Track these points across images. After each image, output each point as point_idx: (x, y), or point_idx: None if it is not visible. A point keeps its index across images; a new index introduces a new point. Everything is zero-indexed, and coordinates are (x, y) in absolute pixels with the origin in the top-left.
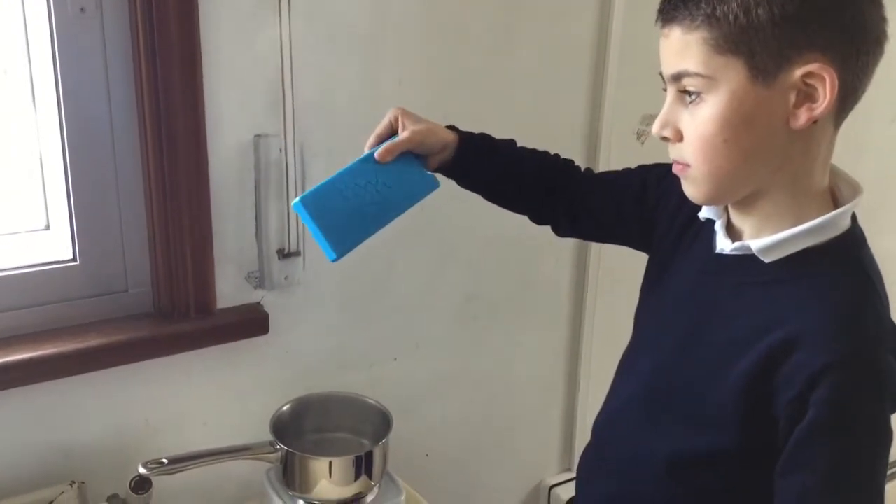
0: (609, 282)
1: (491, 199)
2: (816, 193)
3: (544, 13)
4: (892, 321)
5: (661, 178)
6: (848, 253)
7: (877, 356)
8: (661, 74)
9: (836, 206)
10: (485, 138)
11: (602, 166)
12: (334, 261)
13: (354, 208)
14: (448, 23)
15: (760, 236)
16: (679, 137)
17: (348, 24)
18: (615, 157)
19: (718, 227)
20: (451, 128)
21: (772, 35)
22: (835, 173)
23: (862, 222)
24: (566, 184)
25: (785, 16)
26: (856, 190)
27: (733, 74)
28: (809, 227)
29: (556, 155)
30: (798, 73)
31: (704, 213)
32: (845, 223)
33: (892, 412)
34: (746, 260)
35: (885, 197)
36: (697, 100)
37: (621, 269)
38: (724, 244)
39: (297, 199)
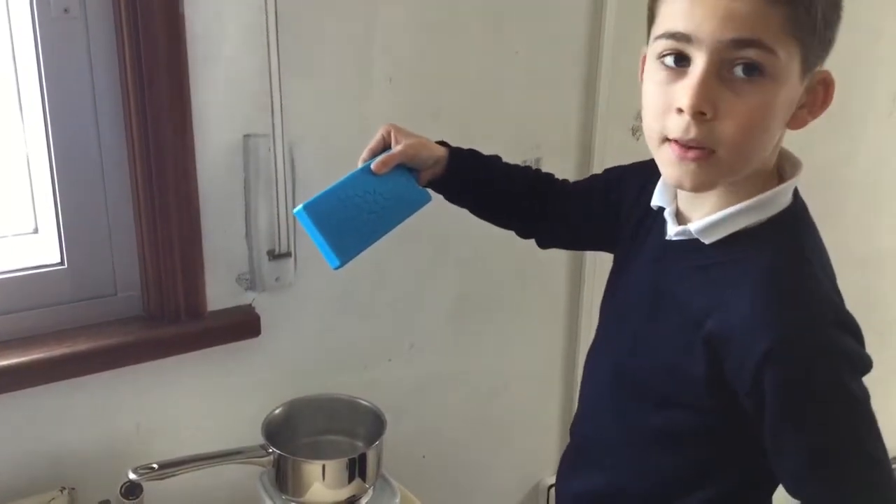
0: (604, 279)
1: (478, 213)
2: (762, 175)
3: (536, 8)
4: (830, 294)
5: (621, 176)
6: (785, 229)
7: (813, 332)
8: (681, 35)
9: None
10: (473, 154)
11: (597, 163)
12: (337, 268)
13: (354, 217)
14: (439, 20)
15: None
16: (715, 116)
17: (337, 22)
18: (610, 153)
19: (667, 214)
20: (441, 143)
21: (821, 34)
22: (780, 154)
23: (857, 217)
24: (545, 196)
25: (833, 19)
26: (796, 166)
27: (792, 61)
28: (746, 206)
29: (538, 169)
30: (819, 76)
31: (656, 202)
32: (785, 200)
33: (858, 374)
34: (691, 244)
35: (880, 192)
36: (754, 77)
37: None
38: (671, 230)
39: (298, 207)
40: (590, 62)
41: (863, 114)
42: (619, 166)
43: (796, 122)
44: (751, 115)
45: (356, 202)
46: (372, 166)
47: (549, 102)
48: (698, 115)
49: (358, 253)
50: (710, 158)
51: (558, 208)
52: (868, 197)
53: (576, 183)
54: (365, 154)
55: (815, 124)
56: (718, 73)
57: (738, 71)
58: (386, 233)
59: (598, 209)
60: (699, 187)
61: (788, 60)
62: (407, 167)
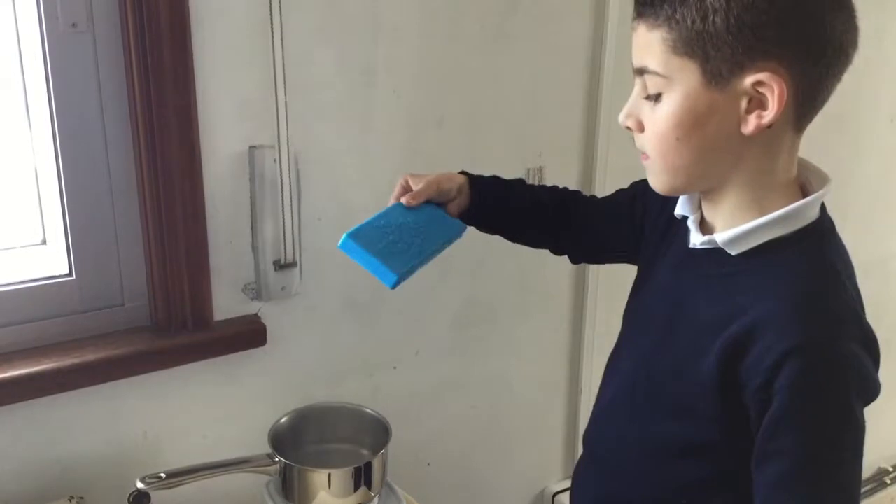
0: (609, 284)
1: (511, 235)
2: (780, 187)
3: (539, 17)
4: (857, 310)
5: (647, 187)
6: (813, 242)
7: (838, 342)
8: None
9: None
10: (495, 179)
11: (599, 168)
12: (394, 285)
13: (397, 241)
14: (442, 29)
15: (728, 230)
16: (641, 129)
17: (341, 34)
18: (612, 160)
19: (691, 222)
20: (461, 174)
21: (726, 42)
22: (804, 166)
23: (862, 222)
24: (573, 212)
25: (741, 24)
26: (824, 181)
27: (688, 76)
28: (773, 218)
29: (565, 188)
30: (749, 80)
31: (679, 210)
32: (812, 214)
33: (864, 400)
34: (715, 253)
35: (885, 197)
36: (656, 97)
37: (622, 272)
38: (696, 239)
39: (344, 237)
40: (592, 70)
41: (867, 119)
42: (644, 179)
43: (749, 126)
44: (656, 126)
45: (395, 229)
46: (403, 201)
47: (552, 110)
48: (627, 128)
49: (411, 269)
50: (648, 162)
51: (586, 224)
52: (873, 203)
53: (602, 198)
54: (391, 201)
55: (819, 129)
56: (645, 94)
57: (650, 95)
58: (431, 256)
59: (625, 222)
60: (659, 189)
61: (682, 76)
62: (435, 203)
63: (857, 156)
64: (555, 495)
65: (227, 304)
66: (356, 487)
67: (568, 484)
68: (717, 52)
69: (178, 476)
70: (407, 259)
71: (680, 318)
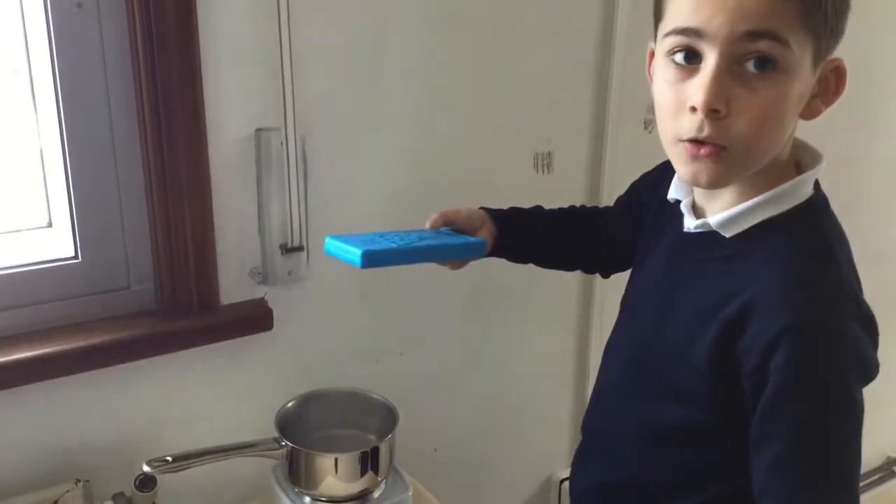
0: (618, 273)
1: (543, 258)
2: (779, 167)
3: (549, 1)
4: (854, 288)
5: (642, 182)
6: (807, 220)
7: (834, 321)
8: (691, 30)
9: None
10: (513, 208)
11: (609, 156)
12: (362, 260)
13: (384, 239)
14: (451, 12)
15: (722, 212)
16: (727, 111)
17: (350, 15)
18: (621, 146)
19: (684, 206)
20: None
21: (833, 24)
22: (797, 145)
23: (877, 210)
24: (591, 226)
25: (840, 10)
26: (817, 159)
27: (804, 54)
28: (765, 198)
29: (583, 206)
30: (830, 65)
31: (672, 195)
32: (806, 191)
33: (862, 380)
34: (709, 237)
35: None
36: (767, 72)
37: None
38: (690, 223)
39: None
40: (602, 55)
41: (880, 105)
42: (641, 176)
43: (809, 112)
44: (765, 111)
45: (392, 235)
46: (427, 223)
47: (560, 95)
48: (712, 112)
49: (384, 251)
50: (721, 154)
51: (601, 235)
52: (885, 191)
53: (610, 207)
54: None
55: (831, 116)
56: (730, 68)
57: (751, 66)
58: (420, 251)
59: (629, 224)
60: (715, 184)
61: (801, 52)
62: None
63: (869, 143)
64: (562, 482)
65: (233, 287)
66: (363, 472)
67: None
68: (826, 32)
69: (184, 460)
70: (382, 245)
71: (675, 303)
